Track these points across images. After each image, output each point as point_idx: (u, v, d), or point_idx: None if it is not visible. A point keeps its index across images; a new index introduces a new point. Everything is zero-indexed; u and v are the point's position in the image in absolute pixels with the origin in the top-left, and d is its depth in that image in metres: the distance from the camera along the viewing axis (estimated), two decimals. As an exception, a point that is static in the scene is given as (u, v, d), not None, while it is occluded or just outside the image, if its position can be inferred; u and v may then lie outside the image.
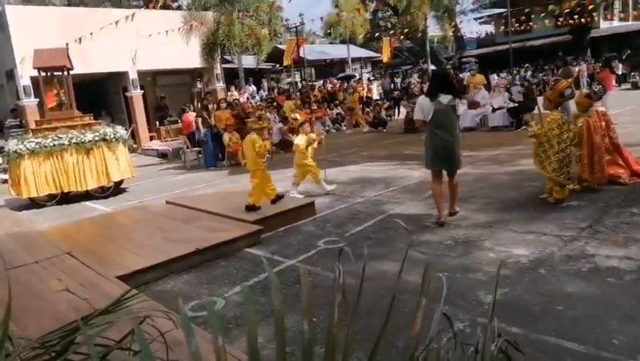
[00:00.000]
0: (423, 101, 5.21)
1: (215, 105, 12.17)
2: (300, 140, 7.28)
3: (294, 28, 20.34)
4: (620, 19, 31.21)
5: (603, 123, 6.01)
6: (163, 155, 14.45)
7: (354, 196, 6.92)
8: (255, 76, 23.28)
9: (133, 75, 15.48)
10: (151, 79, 17.29)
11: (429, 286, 1.08)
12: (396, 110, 19.43)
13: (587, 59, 24.28)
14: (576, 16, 22.69)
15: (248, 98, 18.06)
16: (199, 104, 12.41)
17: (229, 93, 17.79)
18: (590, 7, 21.93)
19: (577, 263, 3.85)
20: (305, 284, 1.14)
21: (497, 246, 4.42)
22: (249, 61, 22.04)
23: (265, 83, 23.47)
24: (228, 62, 22.48)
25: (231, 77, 21.29)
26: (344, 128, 17.21)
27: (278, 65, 25.69)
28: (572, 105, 6.61)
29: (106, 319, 1.29)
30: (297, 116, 7.44)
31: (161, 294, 4.11)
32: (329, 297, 3.60)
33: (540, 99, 6.94)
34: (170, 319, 1.37)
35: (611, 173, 5.91)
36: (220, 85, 18.06)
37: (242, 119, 11.54)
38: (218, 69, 18.00)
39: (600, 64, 17.54)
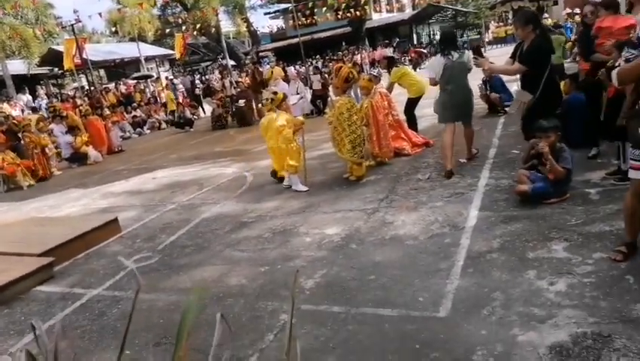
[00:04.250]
0: (434, 60, 5.56)
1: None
2: (282, 120, 5.91)
3: (71, 27, 18.03)
4: (388, 11, 35.85)
5: (386, 103, 6.70)
6: None
7: (165, 204, 6.44)
8: (29, 83, 20.05)
9: None
10: None
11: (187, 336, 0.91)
12: (201, 108, 18.93)
13: (365, 47, 27.22)
14: (352, 10, 25.28)
15: (23, 110, 15.43)
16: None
17: (-2, 105, 14.95)
18: (362, 1, 24.67)
19: (380, 232, 4.18)
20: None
21: (312, 229, 4.55)
22: (17, 66, 18.84)
23: (41, 90, 20.36)
24: (-11, 68, 18.92)
25: (-3, 87, 18.00)
26: (147, 131, 16.07)
27: (57, 69, 22.60)
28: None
29: None
30: (271, 95, 6.20)
31: None
32: (144, 322, 3.19)
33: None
34: None
35: (397, 147, 6.65)
36: (-20, 97, 15.06)
37: (15, 134, 9.75)
38: (-26, 78, 14.96)
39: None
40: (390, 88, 7.43)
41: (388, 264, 3.56)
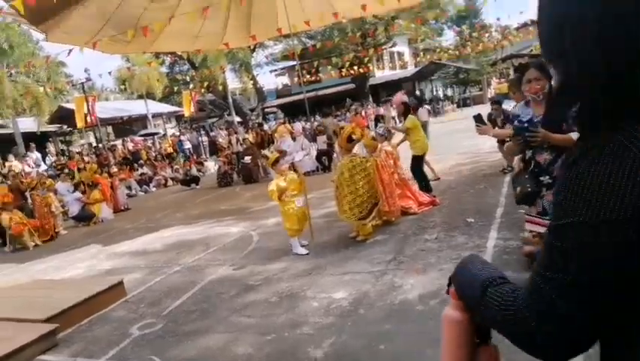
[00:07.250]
0: (423, 110, 9.95)
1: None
2: (272, 186, 5.84)
3: (81, 85, 18.63)
4: (390, 69, 36.98)
5: (391, 161, 6.78)
6: None
7: (171, 265, 6.40)
8: (38, 140, 20.50)
9: None
10: None
11: None
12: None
13: (369, 104, 27.87)
14: (356, 67, 26.10)
15: (32, 168, 15.70)
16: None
17: (7, 164, 15.22)
18: (365, 59, 25.51)
19: (389, 297, 4.11)
20: None
21: (319, 293, 4.49)
22: (28, 124, 19.33)
23: (52, 148, 20.79)
24: (1, 126, 19.49)
25: (8, 145, 18.36)
26: (153, 189, 16.22)
27: (66, 127, 23.15)
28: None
29: None
30: (268, 153, 6.31)
31: None
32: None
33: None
34: None
35: (403, 205, 6.67)
36: (-9, 155, 15.38)
37: (22, 193, 9.87)
38: (-14, 136, 15.33)
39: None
40: (404, 131, 7.53)
41: (399, 331, 3.48)
